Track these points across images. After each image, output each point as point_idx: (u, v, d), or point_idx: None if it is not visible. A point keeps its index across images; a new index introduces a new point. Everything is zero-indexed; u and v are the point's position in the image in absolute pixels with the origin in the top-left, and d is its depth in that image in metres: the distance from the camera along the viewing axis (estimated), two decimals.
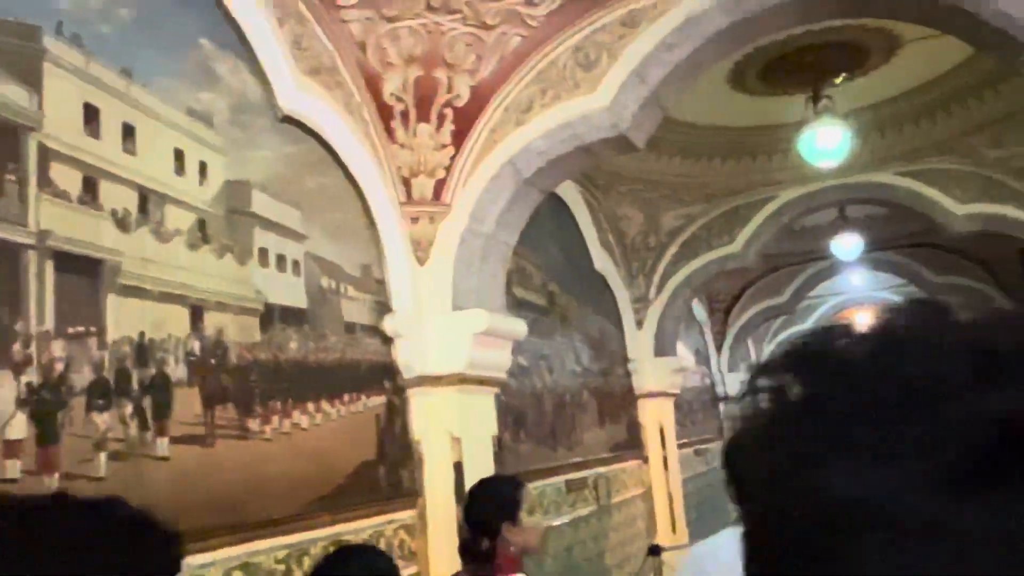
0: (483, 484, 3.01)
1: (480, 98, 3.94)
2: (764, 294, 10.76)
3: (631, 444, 6.95)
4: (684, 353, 8.49)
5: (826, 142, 5.54)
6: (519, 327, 4.12)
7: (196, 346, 2.61)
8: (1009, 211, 6.43)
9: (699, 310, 10.24)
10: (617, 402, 6.76)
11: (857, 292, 13.21)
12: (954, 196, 6.58)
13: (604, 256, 6.74)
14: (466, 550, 2.83)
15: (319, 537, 3.00)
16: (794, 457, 0.37)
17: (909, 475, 0.34)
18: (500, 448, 4.26)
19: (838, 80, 5.72)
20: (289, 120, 3.26)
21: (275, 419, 2.91)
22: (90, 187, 2.34)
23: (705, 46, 3.72)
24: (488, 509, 2.81)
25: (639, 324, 7.22)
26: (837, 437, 0.36)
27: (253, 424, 2.80)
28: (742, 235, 7.13)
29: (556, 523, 5.06)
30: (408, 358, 3.73)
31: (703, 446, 9.11)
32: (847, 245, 8.63)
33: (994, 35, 3.30)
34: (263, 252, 3.01)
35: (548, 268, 5.66)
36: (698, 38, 3.67)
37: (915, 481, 0.33)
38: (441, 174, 3.95)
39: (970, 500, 0.33)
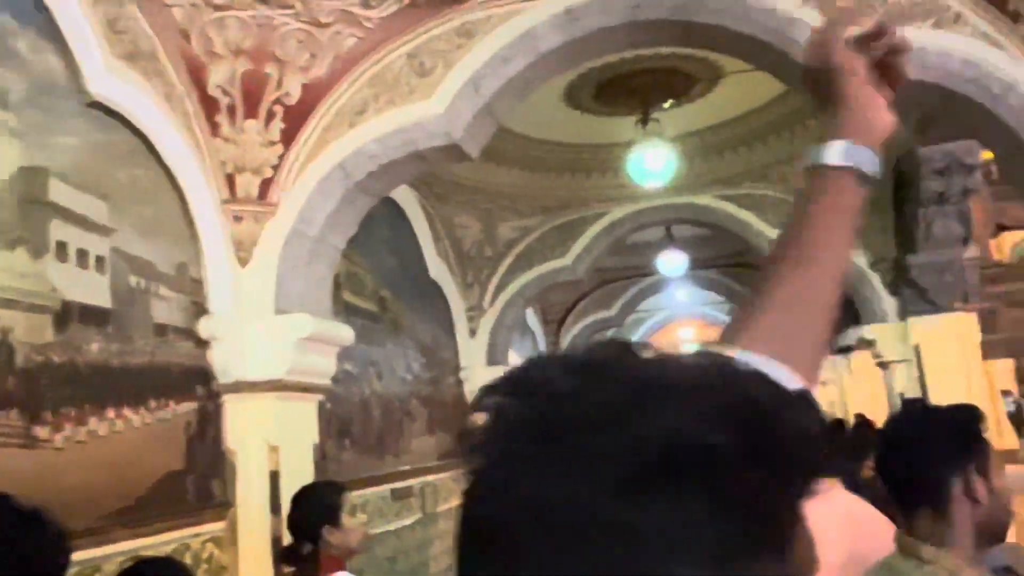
0: (304, 491, 3.03)
1: (312, 97, 3.85)
2: (595, 307, 11.12)
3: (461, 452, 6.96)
4: (517, 362, 8.61)
5: (653, 163, 5.79)
6: (345, 333, 4.04)
7: None
8: None
9: (533, 320, 10.44)
10: (448, 410, 6.76)
11: (682, 308, 13.91)
12: (767, 220, 7.04)
13: (440, 264, 6.74)
14: (289, 556, 2.84)
15: (115, 553, 2.80)
16: (496, 467, 0.44)
17: (591, 484, 0.40)
18: (323, 457, 4.17)
19: (666, 105, 6.01)
20: (99, 106, 3.05)
21: (68, 427, 2.69)
22: None
23: (539, 62, 3.80)
24: (309, 514, 2.85)
25: (472, 333, 7.27)
26: (534, 451, 0.42)
27: (42, 432, 2.59)
28: (574, 249, 7.32)
29: (380, 531, 4.99)
30: (225, 362, 3.57)
31: None
32: (672, 263, 9.06)
33: (797, 73, 3.55)
34: (62, 246, 2.79)
35: (381, 274, 5.60)
36: (532, 54, 3.74)
37: (596, 488, 0.40)
38: (268, 172, 3.82)
39: (642, 505, 0.39)
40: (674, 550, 0.39)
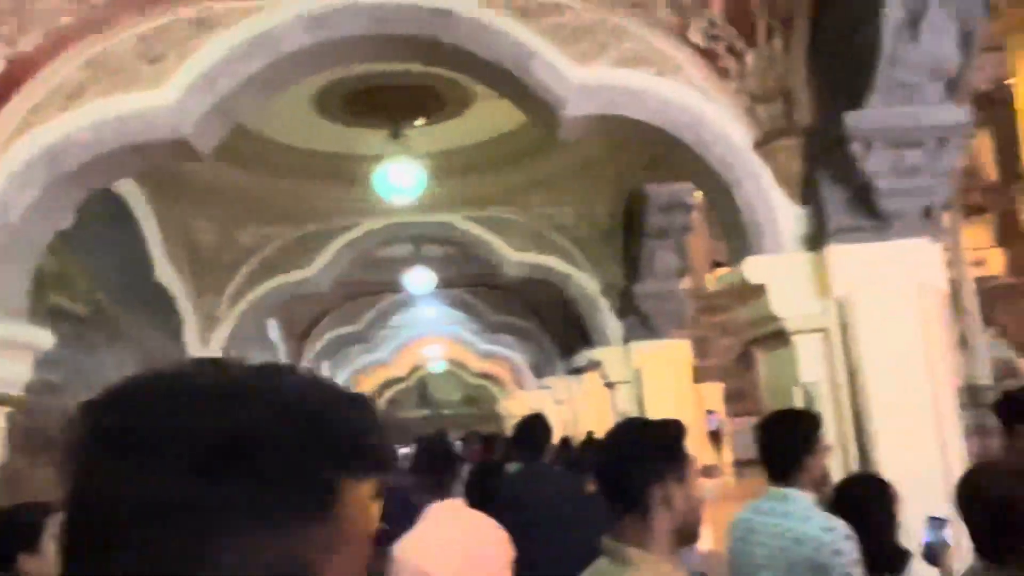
0: (2, 514, 2.72)
1: (18, 73, 3.44)
2: (342, 321, 10.93)
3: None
4: None
5: (400, 179, 5.79)
6: (42, 337, 3.61)
7: None
8: (551, 261, 7.29)
9: (276, 334, 10.05)
10: None
11: (430, 325, 14.05)
12: (511, 243, 7.28)
13: (170, 268, 6.28)
14: None
15: None
16: (84, 473, 0.51)
17: (165, 473, 0.48)
18: (12, 476, 3.70)
19: (418, 122, 6.05)
20: None
21: None
22: None
23: (282, 63, 3.65)
24: (2, 539, 2.56)
25: (205, 343, 6.83)
26: (115, 454, 0.49)
27: None
28: (319, 260, 7.13)
29: None
30: None
31: None
32: (419, 280, 9.11)
33: (534, 103, 3.71)
34: None
35: (98, 275, 5.13)
36: (275, 53, 3.59)
37: (170, 476, 0.48)
38: None
39: (209, 486, 0.48)
40: (237, 519, 0.48)
